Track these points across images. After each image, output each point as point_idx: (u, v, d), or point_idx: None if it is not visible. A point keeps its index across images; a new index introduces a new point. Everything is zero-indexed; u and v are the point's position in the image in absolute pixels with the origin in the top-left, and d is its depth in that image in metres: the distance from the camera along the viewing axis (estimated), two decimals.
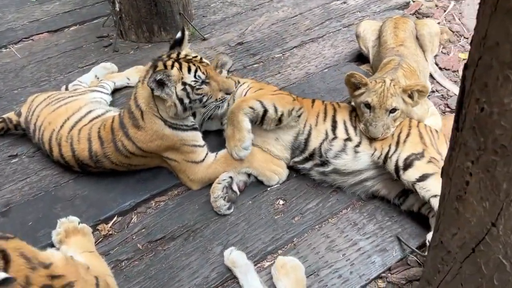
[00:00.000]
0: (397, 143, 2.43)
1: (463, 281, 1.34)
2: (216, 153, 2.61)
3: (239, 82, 2.84)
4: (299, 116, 2.57)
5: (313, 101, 2.72)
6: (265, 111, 2.49)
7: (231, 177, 2.53)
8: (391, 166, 2.36)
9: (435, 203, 2.19)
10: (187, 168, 2.57)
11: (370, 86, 2.50)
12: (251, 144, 2.49)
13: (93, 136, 2.57)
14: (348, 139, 2.51)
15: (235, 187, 2.54)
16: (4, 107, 3.33)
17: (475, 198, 1.20)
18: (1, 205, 2.58)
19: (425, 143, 2.43)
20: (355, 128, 2.56)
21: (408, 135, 2.47)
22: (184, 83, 2.35)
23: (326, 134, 2.53)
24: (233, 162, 2.54)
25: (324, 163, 2.52)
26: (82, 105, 2.78)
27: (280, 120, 2.52)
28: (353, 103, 2.69)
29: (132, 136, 2.49)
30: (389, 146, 2.43)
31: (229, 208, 2.46)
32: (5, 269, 1.42)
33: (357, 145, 2.49)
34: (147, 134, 2.47)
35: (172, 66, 2.35)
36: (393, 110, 2.45)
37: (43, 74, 3.68)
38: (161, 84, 2.31)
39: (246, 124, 2.46)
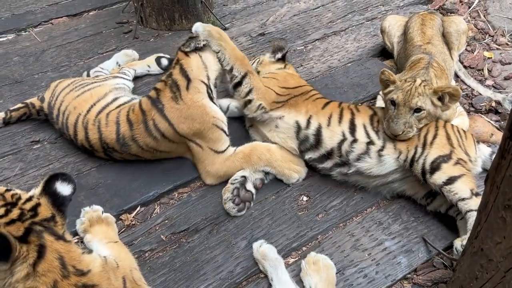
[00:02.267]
0: (424, 145, 2.39)
1: None
2: (236, 148, 2.60)
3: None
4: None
5: (328, 103, 2.65)
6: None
7: (244, 177, 2.51)
8: (417, 169, 2.33)
9: (462, 206, 2.17)
10: (208, 157, 2.56)
11: (398, 84, 2.46)
12: None
13: (121, 119, 2.57)
14: (371, 142, 2.45)
15: (249, 186, 2.51)
16: (25, 92, 3.32)
17: None
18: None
19: (452, 145, 2.40)
20: (377, 132, 2.49)
21: (435, 137, 2.43)
22: None
23: (343, 135, 2.48)
24: (251, 159, 2.53)
25: (345, 163, 2.48)
26: (107, 91, 2.79)
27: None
28: (382, 98, 2.66)
29: (167, 113, 2.51)
30: (415, 148, 2.38)
31: (239, 211, 2.43)
32: (34, 264, 1.43)
33: (381, 149, 2.44)
34: (185, 107, 2.50)
35: None
36: (418, 109, 2.40)
37: (63, 59, 3.66)
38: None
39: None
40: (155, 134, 2.53)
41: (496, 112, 3.07)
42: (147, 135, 2.54)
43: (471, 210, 2.11)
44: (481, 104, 3.12)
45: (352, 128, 2.50)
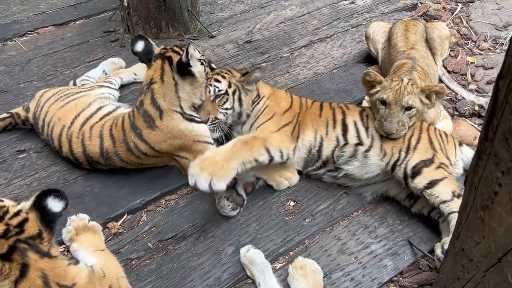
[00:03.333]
0: (407, 149, 2.43)
1: None
2: None
3: (258, 96, 2.69)
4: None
5: (321, 107, 2.67)
6: (271, 159, 2.41)
7: (234, 178, 2.46)
8: (399, 173, 2.37)
9: (444, 208, 2.21)
10: None
11: (385, 84, 2.51)
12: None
13: (105, 134, 2.55)
14: (359, 143, 2.49)
15: (240, 190, 2.52)
16: (10, 101, 3.30)
17: (504, 208, 1.20)
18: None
19: (434, 148, 2.44)
20: (366, 129, 2.54)
21: (418, 140, 2.46)
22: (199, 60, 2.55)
23: (337, 140, 2.52)
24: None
25: (337, 168, 2.52)
26: (91, 101, 2.76)
27: (285, 162, 2.51)
28: (367, 103, 2.69)
29: (146, 138, 2.48)
30: (399, 153, 2.42)
31: (233, 209, 2.44)
32: (16, 282, 1.43)
33: (368, 150, 2.48)
34: (161, 133, 2.46)
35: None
36: (409, 108, 2.45)
37: (50, 68, 3.65)
38: (187, 64, 2.41)
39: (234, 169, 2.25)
40: (137, 154, 2.53)
41: (479, 115, 3.12)
42: (130, 153, 2.53)
43: (453, 212, 2.15)
44: (464, 108, 3.17)
45: (345, 129, 2.54)
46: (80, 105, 2.73)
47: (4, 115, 2.97)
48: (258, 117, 2.61)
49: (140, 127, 2.48)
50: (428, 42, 3.34)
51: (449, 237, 2.05)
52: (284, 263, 2.23)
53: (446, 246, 2.00)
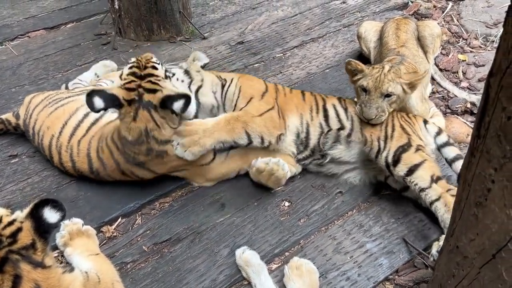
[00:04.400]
0: (385, 138, 2.48)
1: (482, 287, 1.35)
2: (228, 152, 2.59)
3: (225, 80, 2.73)
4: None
5: (303, 93, 2.74)
6: (250, 143, 2.47)
7: None
8: (382, 162, 2.44)
9: (425, 198, 2.29)
10: (200, 171, 2.56)
11: (367, 71, 2.55)
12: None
13: (93, 156, 2.49)
14: (341, 127, 2.57)
15: None
16: (2, 106, 3.27)
17: (498, 205, 1.21)
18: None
19: (407, 133, 2.50)
20: (345, 110, 2.62)
21: (393, 128, 2.52)
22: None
23: (321, 127, 2.58)
24: (248, 159, 2.55)
25: (323, 155, 2.59)
26: (79, 106, 2.66)
27: (267, 147, 2.53)
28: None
29: (149, 165, 2.45)
30: (378, 141, 2.47)
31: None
32: None
33: (349, 134, 2.55)
34: (168, 157, 2.43)
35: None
36: (389, 95, 2.49)
37: (41, 72, 3.63)
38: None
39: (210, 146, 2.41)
40: (133, 177, 2.52)
41: (472, 113, 3.13)
42: (124, 176, 2.52)
43: (433, 201, 2.23)
44: (456, 106, 3.19)
45: (326, 115, 2.60)
46: (68, 111, 2.65)
47: None
48: (236, 101, 2.60)
49: (145, 160, 2.42)
50: (420, 41, 3.35)
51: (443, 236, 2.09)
52: (280, 264, 2.23)
53: (441, 244, 2.02)
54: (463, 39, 3.89)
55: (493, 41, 3.78)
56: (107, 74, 3.34)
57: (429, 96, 3.27)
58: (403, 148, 2.40)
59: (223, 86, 2.69)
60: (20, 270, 1.44)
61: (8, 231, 1.49)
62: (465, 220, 1.41)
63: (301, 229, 2.39)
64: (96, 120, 2.62)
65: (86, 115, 2.63)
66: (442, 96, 3.33)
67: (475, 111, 3.11)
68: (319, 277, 2.14)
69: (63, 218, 1.58)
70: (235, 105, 2.60)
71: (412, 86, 2.53)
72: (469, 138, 2.85)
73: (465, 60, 3.63)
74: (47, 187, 2.64)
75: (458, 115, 3.15)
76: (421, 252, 2.22)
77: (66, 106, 2.69)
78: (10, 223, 1.52)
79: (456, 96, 3.29)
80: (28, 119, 2.74)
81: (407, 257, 2.23)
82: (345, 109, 2.62)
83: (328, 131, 2.56)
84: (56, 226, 1.57)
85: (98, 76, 3.34)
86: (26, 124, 2.76)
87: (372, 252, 2.26)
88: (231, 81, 2.70)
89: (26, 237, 1.50)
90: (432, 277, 1.81)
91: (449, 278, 1.56)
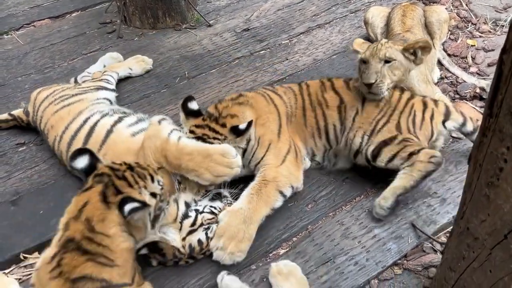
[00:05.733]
0: (372, 132, 2.43)
1: (493, 268, 1.34)
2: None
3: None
4: None
5: (304, 113, 2.55)
6: (284, 198, 2.33)
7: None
8: (362, 160, 2.47)
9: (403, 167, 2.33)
10: None
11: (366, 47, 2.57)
12: None
13: None
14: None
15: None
16: (8, 95, 3.28)
17: (510, 185, 1.19)
18: (11, 194, 2.55)
19: (400, 130, 2.41)
20: (344, 121, 2.53)
21: (386, 123, 2.44)
22: None
23: (325, 147, 2.60)
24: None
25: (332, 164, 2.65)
26: (82, 109, 2.60)
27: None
28: None
29: None
30: (362, 138, 2.44)
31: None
32: None
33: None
34: None
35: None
36: (388, 60, 2.43)
37: (47, 61, 3.62)
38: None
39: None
40: None
41: (481, 98, 3.09)
42: None
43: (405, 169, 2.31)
44: (465, 91, 3.15)
45: (327, 137, 2.56)
46: (72, 112, 2.57)
47: (7, 117, 2.92)
48: (254, 152, 2.42)
49: None
50: (427, 27, 3.31)
51: (389, 192, 2.28)
52: (288, 249, 2.23)
53: (384, 203, 2.25)
54: (472, 23, 3.83)
55: (503, 26, 3.72)
56: (112, 65, 3.32)
57: (437, 82, 3.23)
58: (385, 143, 2.37)
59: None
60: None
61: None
62: (476, 201, 1.39)
63: (308, 214, 2.38)
64: (95, 123, 2.49)
65: (86, 121, 2.52)
66: (451, 81, 3.29)
67: (485, 96, 3.07)
68: (327, 261, 2.15)
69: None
70: (253, 154, 2.43)
71: (414, 53, 2.46)
72: (478, 123, 2.84)
73: (474, 45, 3.58)
74: (55, 174, 2.65)
75: (467, 100, 3.11)
76: (429, 236, 2.20)
77: (72, 107, 2.61)
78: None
79: (465, 81, 3.25)
80: (35, 116, 2.73)
81: (416, 242, 2.22)
82: (343, 123, 2.51)
83: (330, 148, 2.58)
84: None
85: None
86: (34, 121, 2.76)
87: (380, 237, 2.25)
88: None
89: None
90: (441, 261, 1.79)
91: (459, 261, 1.54)
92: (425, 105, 2.50)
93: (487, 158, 1.28)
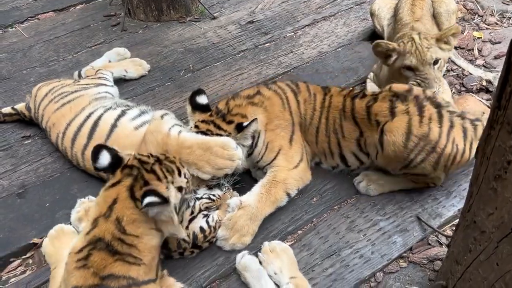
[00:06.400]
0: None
1: (500, 261, 1.33)
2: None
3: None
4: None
5: (318, 130, 2.42)
6: (289, 199, 2.35)
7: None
8: None
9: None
10: None
11: (399, 49, 2.50)
12: None
13: None
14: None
15: None
16: (13, 88, 3.29)
17: None
18: (17, 186, 2.56)
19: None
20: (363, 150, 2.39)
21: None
22: None
23: (337, 164, 2.52)
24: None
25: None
26: (85, 105, 2.59)
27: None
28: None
29: None
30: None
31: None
32: None
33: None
34: None
35: None
36: (436, 61, 2.47)
37: (52, 54, 3.63)
38: None
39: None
40: None
41: (487, 91, 3.07)
42: None
43: None
44: (472, 84, 3.12)
45: (344, 161, 2.48)
46: (74, 109, 2.57)
47: (11, 111, 2.93)
48: (262, 157, 2.38)
49: None
50: (435, 17, 3.28)
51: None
52: (293, 242, 2.23)
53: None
54: (478, 15, 3.80)
55: (510, 18, 3.68)
56: (107, 65, 3.25)
57: (444, 75, 3.21)
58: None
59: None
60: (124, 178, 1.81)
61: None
62: (483, 195, 1.38)
63: (314, 207, 2.38)
64: (99, 117, 2.49)
65: (90, 114, 2.52)
66: (457, 74, 3.27)
67: (491, 89, 3.05)
68: (332, 254, 2.15)
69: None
70: (261, 158, 2.39)
71: (446, 41, 2.50)
72: (485, 115, 2.82)
73: (481, 37, 3.54)
74: (60, 167, 2.65)
75: (473, 93, 3.08)
76: (435, 229, 2.20)
77: (73, 103, 2.60)
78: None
79: (471, 74, 3.22)
80: (36, 113, 2.73)
81: (421, 235, 2.21)
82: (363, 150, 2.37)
83: (347, 167, 2.50)
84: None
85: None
86: (36, 118, 2.76)
87: (385, 230, 2.24)
88: (258, 137, 2.36)
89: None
90: (447, 254, 1.79)
91: (465, 254, 1.54)
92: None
93: (494, 151, 1.27)
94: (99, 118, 2.50)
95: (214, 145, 2.16)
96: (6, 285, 2.15)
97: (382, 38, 3.44)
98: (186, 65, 3.43)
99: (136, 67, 3.33)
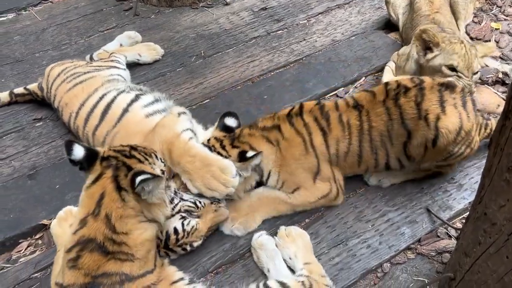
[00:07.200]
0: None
1: (510, 254, 1.31)
2: None
3: (262, 171, 2.25)
4: None
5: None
6: None
7: None
8: None
9: None
10: None
11: (445, 46, 2.48)
12: None
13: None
14: None
15: None
16: (26, 70, 3.31)
17: None
18: (28, 168, 2.59)
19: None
20: None
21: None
22: None
23: None
24: None
25: None
26: (98, 86, 2.59)
27: None
28: (391, 71, 2.69)
29: None
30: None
31: None
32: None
33: None
34: None
35: None
36: (476, 73, 2.49)
37: (64, 38, 3.63)
38: None
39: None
40: None
41: (503, 83, 3.01)
42: None
43: None
44: (487, 76, 3.06)
45: None
46: (86, 89, 2.58)
47: (23, 91, 2.96)
48: (280, 188, 2.26)
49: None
50: (452, 6, 3.21)
51: None
52: None
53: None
54: (497, 6, 3.70)
55: None
56: (121, 49, 3.26)
57: None
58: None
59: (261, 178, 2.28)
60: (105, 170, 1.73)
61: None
62: (495, 186, 1.35)
63: None
64: (112, 100, 2.49)
65: (103, 96, 2.52)
66: None
67: (507, 81, 2.99)
68: (339, 244, 2.14)
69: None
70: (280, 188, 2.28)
71: (483, 56, 2.55)
72: (500, 108, 2.77)
73: (499, 29, 3.46)
74: None
75: (488, 85, 3.02)
76: (445, 222, 2.17)
77: (85, 84, 2.61)
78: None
79: (487, 65, 3.15)
80: (48, 93, 2.75)
81: (430, 227, 2.19)
82: None
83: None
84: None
85: (122, 46, 3.32)
86: (48, 97, 2.77)
87: (394, 221, 2.22)
88: (269, 175, 2.24)
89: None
90: (456, 246, 1.77)
91: (475, 246, 1.52)
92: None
93: (509, 141, 1.25)
94: (112, 101, 2.50)
95: (214, 164, 2.06)
96: (16, 265, 2.19)
97: (397, 27, 3.40)
98: (197, 51, 3.41)
99: (150, 51, 3.32)
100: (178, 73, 3.23)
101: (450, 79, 2.39)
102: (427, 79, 2.16)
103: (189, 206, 2.06)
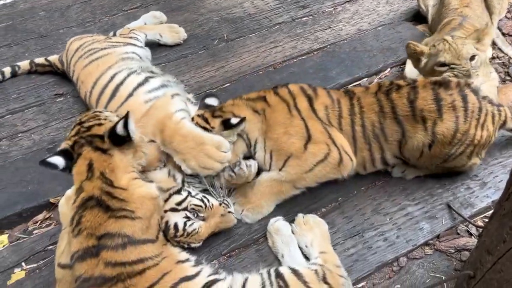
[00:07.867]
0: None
1: None
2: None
3: (248, 140, 2.20)
4: None
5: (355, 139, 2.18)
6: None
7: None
8: None
9: None
10: None
11: (431, 51, 2.39)
12: None
13: None
14: None
15: None
16: (50, 46, 3.33)
17: None
18: (47, 142, 2.61)
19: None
20: None
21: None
22: None
23: None
24: None
25: None
26: (111, 64, 2.58)
27: None
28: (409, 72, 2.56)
29: None
30: None
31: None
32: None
33: None
34: None
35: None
36: (472, 57, 2.35)
37: (88, 15, 3.64)
38: None
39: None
40: None
41: None
42: None
43: None
44: None
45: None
46: (101, 66, 2.57)
47: (44, 61, 2.99)
48: (270, 166, 2.19)
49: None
50: (486, 1, 3.10)
51: None
52: None
53: None
54: None
55: None
56: (143, 27, 3.23)
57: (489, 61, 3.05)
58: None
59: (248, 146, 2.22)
60: (81, 150, 1.78)
61: (86, 125, 1.87)
62: None
63: (340, 187, 2.31)
64: (121, 81, 2.46)
65: (113, 77, 2.49)
66: (503, 62, 3.09)
67: None
68: (355, 235, 2.10)
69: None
70: (270, 167, 2.20)
71: (478, 41, 2.39)
72: None
73: None
74: None
75: None
76: (466, 219, 2.11)
77: (100, 60, 2.60)
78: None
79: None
80: (68, 67, 2.76)
81: (450, 224, 2.13)
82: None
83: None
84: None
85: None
86: (68, 72, 2.79)
87: (413, 216, 2.17)
88: (256, 143, 2.19)
89: (98, 130, 1.84)
90: (477, 244, 1.71)
91: (499, 244, 1.46)
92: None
93: None
94: (121, 82, 2.46)
95: (208, 143, 2.04)
96: (31, 236, 2.21)
97: (426, 19, 3.30)
98: (220, 34, 3.38)
99: (172, 33, 3.28)
100: (200, 55, 3.20)
101: (444, 75, 2.32)
102: (419, 78, 2.19)
103: (196, 204, 2.00)
